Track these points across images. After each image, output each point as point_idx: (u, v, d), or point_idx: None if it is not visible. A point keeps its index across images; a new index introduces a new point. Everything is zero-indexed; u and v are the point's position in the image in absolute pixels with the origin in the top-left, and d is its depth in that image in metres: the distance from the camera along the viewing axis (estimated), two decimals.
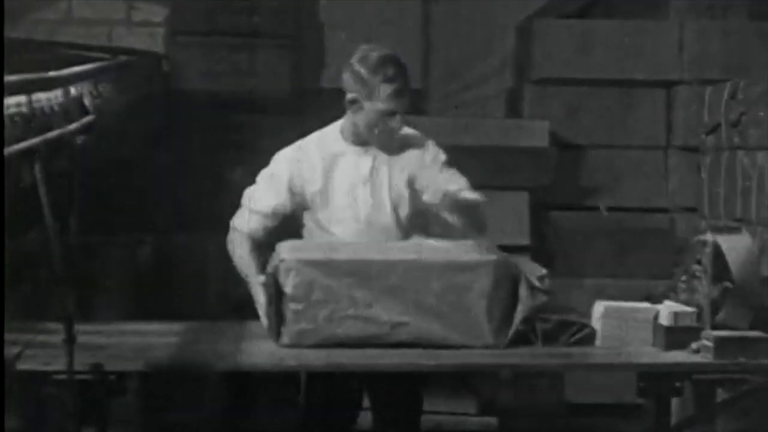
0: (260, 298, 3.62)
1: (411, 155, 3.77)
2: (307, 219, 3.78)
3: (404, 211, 3.76)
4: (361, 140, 3.74)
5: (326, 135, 3.80)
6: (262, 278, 3.58)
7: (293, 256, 3.48)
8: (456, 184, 3.71)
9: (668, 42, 5.71)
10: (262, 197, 3.76)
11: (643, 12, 5.96)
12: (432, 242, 3.68)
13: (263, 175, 3.80)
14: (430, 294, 3.48)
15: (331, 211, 3.74)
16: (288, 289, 3.46)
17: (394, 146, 3.76)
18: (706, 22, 5.75)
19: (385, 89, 3.63)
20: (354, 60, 3.68)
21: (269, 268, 3.53)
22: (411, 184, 3.76)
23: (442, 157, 3.80)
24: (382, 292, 3.46)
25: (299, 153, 3.77)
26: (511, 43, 6.15)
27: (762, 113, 4.83)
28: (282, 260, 3.48)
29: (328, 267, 3.46)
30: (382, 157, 3.75)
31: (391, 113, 3.67)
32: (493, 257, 3.54)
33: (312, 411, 3.84)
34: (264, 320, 3.59)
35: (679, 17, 5.80)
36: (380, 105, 3.65)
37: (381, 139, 3.72)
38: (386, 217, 3.74)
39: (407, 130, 3.79)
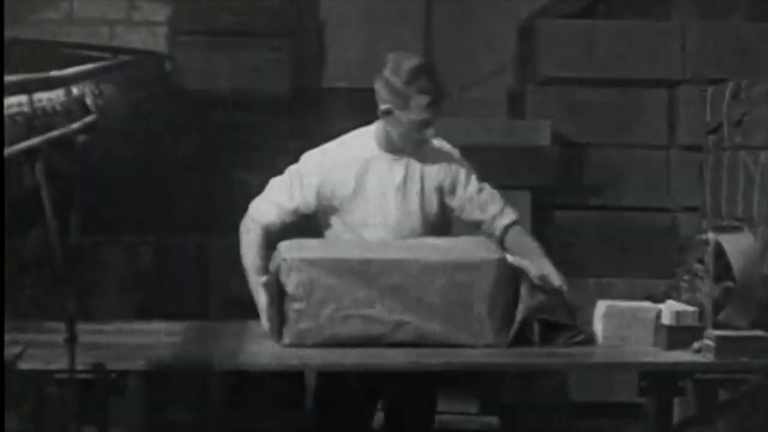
0: (261, 300, 3.61)
1: (442, 167, 3.78)
2: (335, 221, 3.77)
3: (432, 217, 3.78)
4: (394, 148, 3.74)
5: (359, 139, 3.79)
6: (263, 278, 3.58)
7: (295, 255, 3.48)
8: (495, 206, 3.80)
9: (670, 42, 5.70)
10: (287, 193, 3.74)
11: (646, 12, 5.95)
12: (434, 241, 3.67)
13: (292, 172, 3.77)
14: (433, 293, 3.48)
15: (361, 215, 3.73)
16: (290, 288, 3.46)
17: (426, 154, 3.77)
18: (709, 22, 5.74)
19: (420, 100, 3.63)
20: (386, 71, 3.65)
21: (271, 268, 3.53)
22: (440, 193, 3.78)
23: (468, 165, 3.83)
24: (384, 292, 3.46)
25: (331, 156, 3.75)
26: (514, 43, 6.15)
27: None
28: (284, 260, 3.48)
29: (329, 266, 3.46)
30: (415, 165, 3.75)
31: (426, 123, 3.67)
32: (495, 256, 3.54)
33: (328, 411, 3.83)
34: (264, 322, 3.58)
35: (682, 17, 5.79)
36: (415, 115, 3.64)
37: (415, 147, 3.73)
38: (415, 222, 3.75)
39: (437, 140, 3.81)
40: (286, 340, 3.47)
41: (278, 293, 3.46)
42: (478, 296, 3.48)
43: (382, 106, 3.68)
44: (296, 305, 3.45)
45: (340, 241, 3.68)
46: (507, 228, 3.81)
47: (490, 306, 3.48)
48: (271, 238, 3.73)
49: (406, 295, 3.46)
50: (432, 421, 3.93)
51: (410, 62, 3.64)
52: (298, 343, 3.46)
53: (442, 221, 3.82)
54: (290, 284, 3.46)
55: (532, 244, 3.80)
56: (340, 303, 3.45)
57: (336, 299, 3.45)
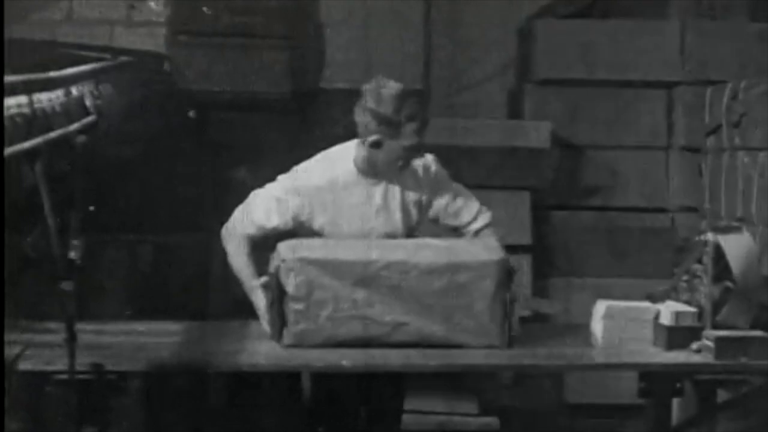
0: (260, 303, 3.61)
1: (419, 183, 3.76)
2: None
3: (412, 227, 3.77)
4: (376, 173, 3.70)
5: (336, 161, 3.74)
6: (262, 280, 3.58)
7: (294, 255, 3.48)
8: (468, 213, 3.78)
9: (669, 43, 5.71)
10: (265, 215, 3.70)
11: (644, 12, 5.95)
12: (434, 242, 3.67)
13: (270, 193, 3.72)
14: (433, 294, 3.48)
15: (344, 235, 3.69)
16: (290, 288, 3.46)
17: (403, 174, 3.74)
18: (707, 23, 5.74)
19: (409, 127, 3.60)
20: (368, 102, 3.61)
21: (271, 269, 3.53)
22: (419, 206, 3.77)
23: (445, 173, 3.81)
24: (384, 292, 3.46)
25: (306, 180, 3.70)
26: (513, 44, 6.16)
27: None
28: (283, 260, 3.48)
29: (329, 267, 3.46)
30: (393, 186, 3.72)
31: (417, 148, 3.65)
32: (495, 257, 3.54)
33: (317, 409, 3.83)
34: (264, 324, 3.58)
35: (680, 18, 5.80)
36: (407, 142, 3.61)
37: (400, 171, 3.70)
38: (399, 236, 3.73)
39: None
40: (286, 340, 3.48)
41: (278, 294, 3.47)
42: (479, 297, 3.48)
43: (371, 138, 3.62)
44: (296, 306, 3.46)
45: (340, 242, 3.67)
46: (477, 232, 3.81)
47: (491, 307, 3.48)
48: (257, 245, 3.72)
49: (406, 296, 3.47)
50: (399, 421, 3.92)
51: (391, 89, 3.60)
52: (298, 344, 3.46)
53: (417, 224, 3.81)
54: (290, 285, 3.46)
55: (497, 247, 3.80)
56: (340, 304, 3.46)
57: (335, 300, 3.46)
